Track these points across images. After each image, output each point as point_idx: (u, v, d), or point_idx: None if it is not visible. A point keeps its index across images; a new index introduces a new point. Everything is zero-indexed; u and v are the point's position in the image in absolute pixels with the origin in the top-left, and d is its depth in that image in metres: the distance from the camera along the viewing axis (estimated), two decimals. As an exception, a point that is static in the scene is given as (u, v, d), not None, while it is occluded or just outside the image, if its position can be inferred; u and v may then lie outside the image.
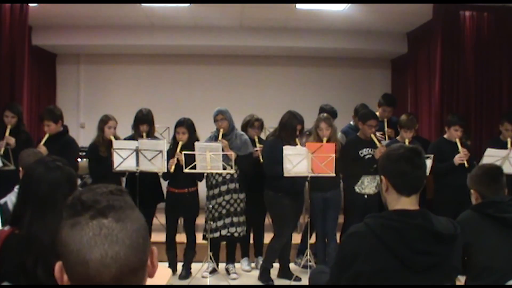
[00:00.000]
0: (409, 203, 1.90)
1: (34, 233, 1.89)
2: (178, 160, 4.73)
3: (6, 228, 2.04)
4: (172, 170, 4.73)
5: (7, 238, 1.95)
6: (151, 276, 1.02)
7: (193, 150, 4.63)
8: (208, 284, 4.81)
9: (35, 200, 1.98)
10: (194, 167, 4.60)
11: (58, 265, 0.95)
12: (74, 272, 0.91)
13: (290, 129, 4.78)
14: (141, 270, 0.97)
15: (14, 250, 1.90)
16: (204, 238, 5.09)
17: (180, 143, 4.83)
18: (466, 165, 4.74)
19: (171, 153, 4.82)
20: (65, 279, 0.95)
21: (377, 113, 5.54)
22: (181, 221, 5.30)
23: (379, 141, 4.88)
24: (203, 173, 4.83)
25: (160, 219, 5.80)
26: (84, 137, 7.32)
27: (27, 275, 1.84)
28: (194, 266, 5.03)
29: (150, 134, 5.15)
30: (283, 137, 4.76)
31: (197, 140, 4.98)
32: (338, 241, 4.81)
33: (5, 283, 1.86)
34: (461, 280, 2.75)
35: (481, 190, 2.68)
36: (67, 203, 0.95)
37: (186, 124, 4.92)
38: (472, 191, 2.73)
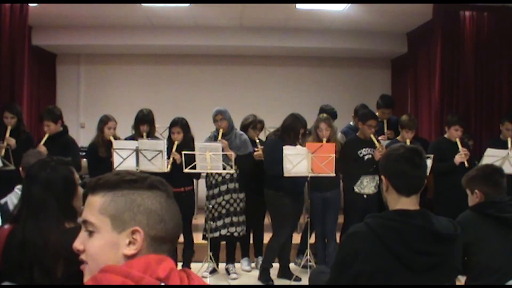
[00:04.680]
0: (409, 203, 1.89)
1: (27, 235, 1.87)
2: (174, 159, 4.74)
3: (6, 226, 2.04)
4: (168, 169, 4.73)
5: (8, 236, 1.95)
6: None
7: (190, 150, 4.63)
8: (208, 284, 4.79)
9: (29, 201, 1.97)
10: (194, 167, 4.60)
11: (140, 235, 1.06)
12: (154, 229, 1.08)
13: (293, 132, 4.76)
14: None
15: (14, 249, 1.90)
16: (204, 238, 5.09)
17: (176, 143, 4.84)
18: (466, 164, 4.73)
19: (167, 153, 4.82)
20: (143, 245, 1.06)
21: (376, 114, 5.53)
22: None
23: (378, 141, 4.88)
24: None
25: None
26: (84, 137, 7.31)
27: (24, 276, 1.83)
28: (194, 266, 5.02)
29: (151, 134, 5.15)
30: (285, 139, 4.73)
31: (192, 139, 4.99)
32: (338, 241, 4.81)
33: (5, 283, 1.85)
34: (461, 280, 2.75)
35: (487, 191, 2.67)
36: (135, 179, 1.10)
37: (180, 124, 4.93)
38: (476, 191, 2.69)
